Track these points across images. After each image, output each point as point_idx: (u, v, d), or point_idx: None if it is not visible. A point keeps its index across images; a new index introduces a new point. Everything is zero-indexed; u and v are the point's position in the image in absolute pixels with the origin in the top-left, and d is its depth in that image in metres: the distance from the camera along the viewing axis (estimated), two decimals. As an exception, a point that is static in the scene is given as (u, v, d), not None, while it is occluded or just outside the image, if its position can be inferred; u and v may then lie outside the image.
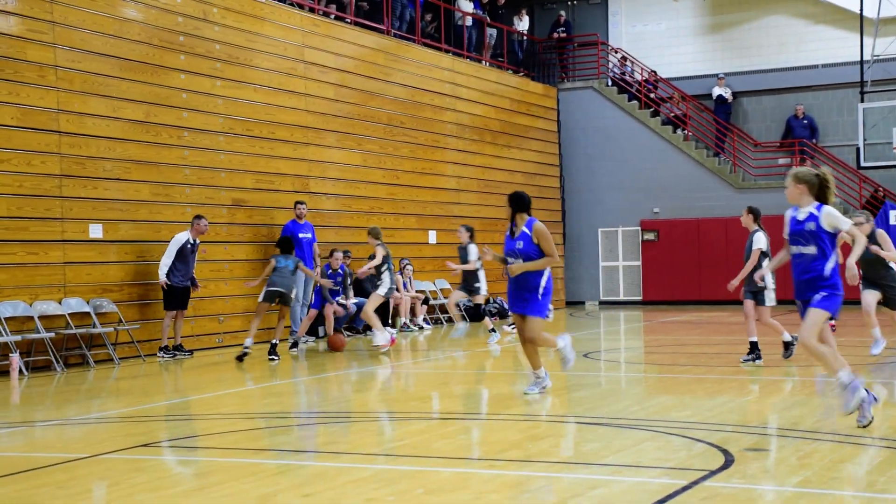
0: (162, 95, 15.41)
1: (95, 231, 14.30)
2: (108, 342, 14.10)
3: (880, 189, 24.60)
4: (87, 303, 13.96)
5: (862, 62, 22.44)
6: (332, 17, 19.54)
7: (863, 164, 22.57)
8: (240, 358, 13.79)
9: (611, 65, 27.44)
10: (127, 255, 14.75)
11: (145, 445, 7.99)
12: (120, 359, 14.16)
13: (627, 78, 27.19)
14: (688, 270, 24.17)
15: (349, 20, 19.91)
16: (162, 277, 14.30)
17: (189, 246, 14.56)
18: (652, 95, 26.91)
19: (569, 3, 28.93)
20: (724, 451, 7.03)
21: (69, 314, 13.65)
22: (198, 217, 14.82)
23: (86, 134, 14.25)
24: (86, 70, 14.29)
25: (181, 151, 15.72)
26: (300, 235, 16.81)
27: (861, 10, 22.67)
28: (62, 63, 13.96)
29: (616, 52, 27.50)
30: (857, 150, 22.41)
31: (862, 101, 22.46)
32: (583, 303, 26.45)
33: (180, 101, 15.73)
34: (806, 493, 5.91)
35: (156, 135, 15.30)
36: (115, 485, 6.54)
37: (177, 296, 14.46)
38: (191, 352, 14.83)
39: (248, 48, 17.08)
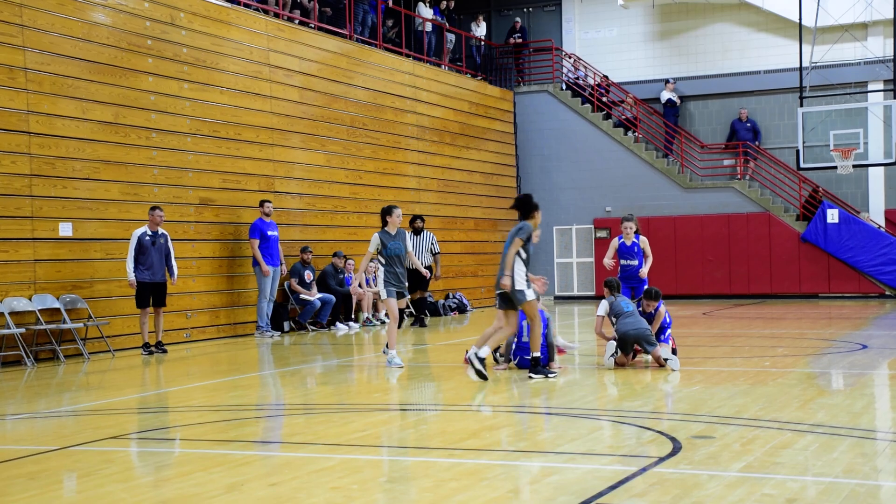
0: (130, 97, 15.27)
1: (65, 229, 14.14)
2: (78, 338, 13.95)
3: (819, 189, 24.93)
4: (58, 299, 13.80)
5: (801, 68, 22.72)
6: (297, 22, 19.46)
7: (802, 165, 22.85)
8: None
9: (565, 69, 27.56)
10: (96, 252, 14.60)
11: (115, 438, 7.93)
12: (90, 354, 14.02)
13: (581, 82, 27.32)
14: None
15: (313, 25, 19.84)
16: (130, 276, 14.02)
17: (148, 238, 14.14)
18: (604, 99, 27.06)
19: (524, 10, 29.02)
20: (673, 439, 7.11)
21: (39, 310, 13.49)
22: (152, 209, 14.38)
23: (55, 135, 14.09)
24: (55, 72, 14.13)
25: (149, 152, 15.59)
26: (269, 233, 16.79)
27: (800, 19, 22.94)
28: (32, 65, 13.79)
29: (570, 58, 27.62)
30: (797, 152, 22.68)
31: (801, 105, 22.73)
32: (538, 299, 26.56)
33: (148, 103, 15.59)
34: (748, 477, 5.99)
35: (125, 136, 15.16)
36: (85, 476, 6.48)
37: (147, 292, 14.21)
38: (165, 350, 14.53)
39: (215, 52, 16.97)
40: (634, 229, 12.96)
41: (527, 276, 10.66)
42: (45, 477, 6.49)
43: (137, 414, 9.44)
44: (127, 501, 5.83)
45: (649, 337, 11.23)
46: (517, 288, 10.54)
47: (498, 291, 10.75)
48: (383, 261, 11.99)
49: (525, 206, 10.72)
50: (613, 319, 11.51)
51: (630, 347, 11.30)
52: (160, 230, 14.32)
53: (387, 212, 12.18)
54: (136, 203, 15.20)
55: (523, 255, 10.57)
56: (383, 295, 12.09)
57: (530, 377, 10.58)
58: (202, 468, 6.60)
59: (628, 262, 12.96)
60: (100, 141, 14.76)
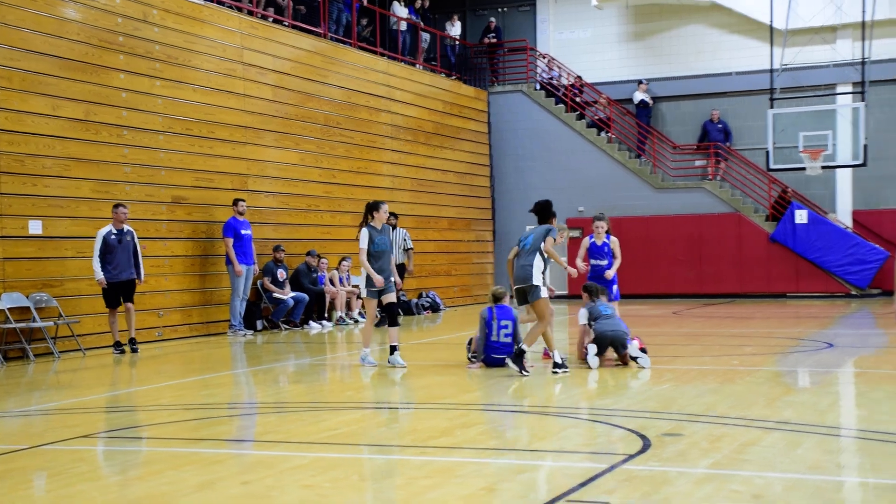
0: (102, 94, 15.17)
1: (35, 227, 14.02)
2: (48, 336, 13.85)
3: (788, 190, 25.15)
4: (27, 297, 13.69)
5: (772, 70, 22.91)
6: (271, 20, 19.40)
7: (772, 166, 23.04)
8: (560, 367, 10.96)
9: (539, 69, 27.64)
10: (67, 250, 14.49)
11: (85, 437, 7.89)
12: (60, 352, 13.92)
13: (554, 82, 27.41)
14: (610, 266, 24.47)
15: (287, 23, 19.78)
16: (98, 275, 13.76)
17: (113, 237, 13.85)
18: (578, 99, 27.17)
19: (499, 10, 29.07)
20: (642, 436, 7.17)
21: (9, 309, 13.37)
22: (115, 206, 14.02)
23: (25, 132, 13.97)
24: (25, 69, 14.01)
25: (121, 149, 15.49)
26: (242, 232, 16.75)
27: (771, 21, 23.12)
28: (1, 61, 13.66)
29: (544, 58, 27.71)
30: (767, 153, 22.88)
31: (772, 107, 22.91)
32: (512, 297, 26.63)
33: (120, 100, 15.50)
34: (716, 474, 6.06)
35: (96, 133, 15.06)
36: (55, 475, 6.45)
37: (115, 291, 14.02)
38: (137, 348, 14.23)
39: (188, 49, 16.88)
40: (606, 229, 13.01)
41: (543, 275, 10.98)
42: (15, 476, 6.45)
43: (108, 413, 9.40)
44: (97, 500, 5.81)
45: (625, 340, 11.31)
46: (535, 283, 10.86)
47: (517, 286, 11.08)
48: (366, 259, 11.73)
49: (545, 211, 11.16)
50: (591, 323, 11.55)
51: (605, 348, 11.37)
52: (126, 227, 14.03)
53: (374, 207, 11.95)
54: (107, 201, 15.09)
55: (544, 255, 10.89)
56: (363, 293, 11.92)
57: (507, 364, 10.87)
58: (173, 467, 6.58)
59: (598, 261, 13.00)
60: (70, 138, 14.65)
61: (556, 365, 10.85)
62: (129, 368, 12.81)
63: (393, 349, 11.70)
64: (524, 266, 10.93)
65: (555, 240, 10.99)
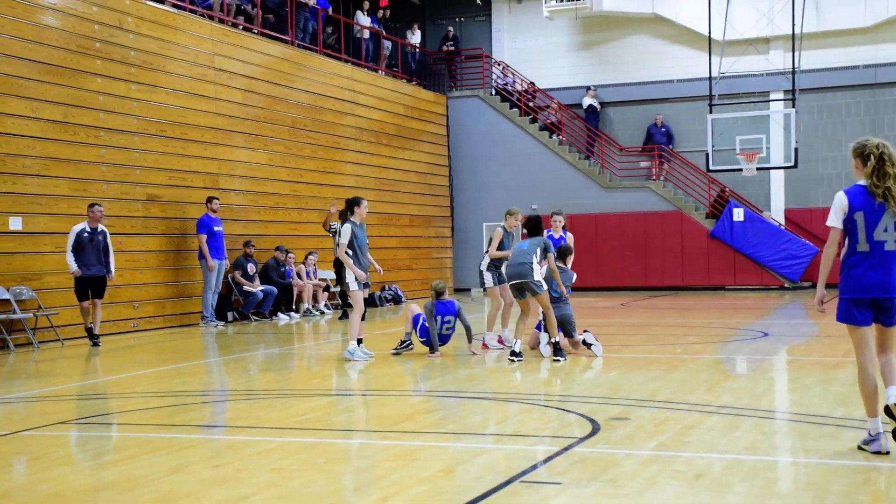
0: (79, 98, 14.94)
1: (15, 223, 13.78)
2: (28, 327, 13.63)
3: (726, 189, 25.39)
4: (7, 290, 13.45)
5: (710, 78, 23.10)
6: (241, 27, 19.22)
7: (711, 167, 23.26)
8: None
9: (494, 76, 27.65)
10: (46, 246, 14.25)
11: (63, 423, 7.77)
12: (39, 343, 13.70)
13: (509, 88, 27.44)
14: (561, 260, 24.56)
15: (256, 31, 19.61)
16: (72, 267, 13.42)
17: (86, 235, 13.50)
18: (531, 104, 27.22)
19: (457, 19, 29.04)
20: (592, 421, 7.19)
21: (-10, 301, 13.14)
22: (91, 205, 13.71)
23: (5, 133, 13.72)
24: (5, 73, 13.75)
25: (98, 150, 15.27)
26: (215, 228, 16.61)
27: (709, 33, 23.32)
28: (-18, 65, 13.40)
29: (499, 65, 27.73)
30: (707, 155, 23.08)
31: (710, 112, 23.12)
32: (469, 290, 26.66)
33: (97, 103, 15.28)
34: (661, 455, 6.09)
35: (74, 134, 14.83)
36: (34, 459, 6.34)
37: (83, 285, 13.58)
38: (97, 342, 13.65)
39: (162, 55, 16.68)
40: (563, 224, 13.01)
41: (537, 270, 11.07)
42: (-5, 461, 6.33)
43: (85, 400, 9.25)
44: (74, 484, 5.71)
45: (574, 324, 11.38)
46: (536, 279, 10.92)
47: (512, 282, 11.06)
48: (350, 252, 11.33)
49: (539, 227, 11.25)
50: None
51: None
52: (100, 226, 13.69)
53: (355, 202, 11.58)
54: (84, 199, 14.87)
55: (538, 256, 10.99)
56: (353, 286, 11.39)
57: (556, 360, 10.71)
58: (148, 451, 6.49)
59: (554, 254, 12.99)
60: (49, 139, 14.42)
61: (513, 353, 10.88)
62: (106, 358, 12.63)
63: (359, 341, 11.60)
64: (523, 264, 10.92)
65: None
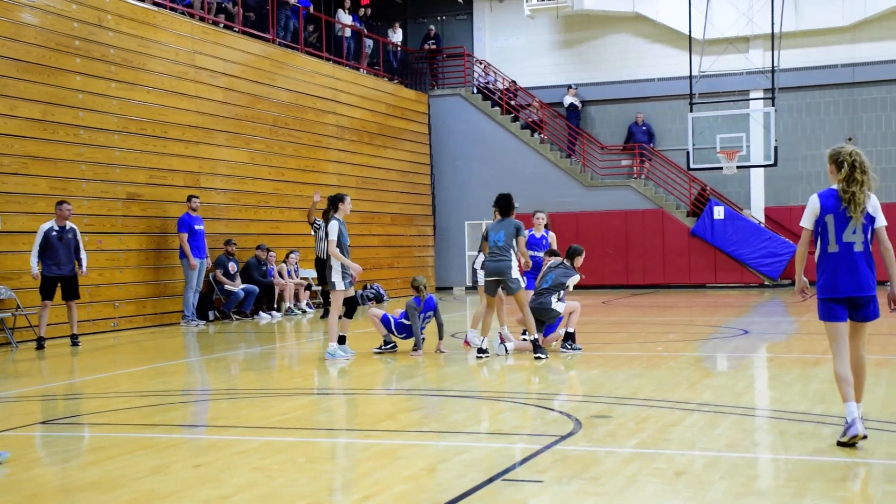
0: (58, 96, 14.83)
1: (-6, 222, 13.66)
2: (6, 327, 13.51)
3: (707, 188, 25.51)
4: (-14, 290, 13.34)
5: (691, 77, 23.19)
6: (221, 25, 19.13)
7: (692, 166, 23.34)
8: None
9: (476, 74, 27.65)
10: (25, 245, 14.11)
11: (43, 423, 7.71)
12: (18, 342, 13.59)
13: (490, 86, 27.45)
14: (543, 259, 24.60)
15: (237, 29, 19.53)
16: (33, 270, 13.00)
17: (55, 234, 13.11)
18: (512, 102, 27.24)
19: (438, 18, 29.02)
20: (574, 419, 7.21)
21: (-32, 301, 13.02)
22: (59, 203, 13.31)
23: (-16, 131, 13.60)
24: (-16, 70, 13.63)
25: (78, 149, 15.17)
26: (196, 227, 16.54)
27: (690, 32, 23.41)
28: (-40, 63, 13.28)
29: (480, 64, 27.73)
30: (688, 153, 23.17)
31: (691, 111, 23.20)
32: (451, 288, 26.67)
33: (76, 101, 15.17)
34: (642, 453, 6.11)
35: (53, 132, 14.72)
36: (14, 460, 6.29)
37: (53, 285, 13.17)
38: (78, 343, 13.46)
39: (142, 53, 16.58)
40: (545, 222, 13.01)
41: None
42: (-27, 462, 6.27)
43: (65, 400, 9.19)
44: (54, 484, 5.67)
45: (546, 315, 11.34)
46: (514, 276, 10.92)
47: (490, 278, 11.00)
48: (338, 250, 11.18)
49: (509, 205, 11.12)
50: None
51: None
52: (69, 224, 13.30)
53: (339, 199, 11.39)
54: (64, 198, 14.76)
55: (515, 248, 10.95)
56: (340, 286, 11.21)
57: (537, 358, 10.69)
58: (128, 451, 6.46)
59: (536, 253, 12.99)
60: (28, 137, 14.30)
61: (479, 350, 10.99)
62: (86, 358, 12.55)
63: (342, 339, 11.56)
64: (501, 260, 10.90)
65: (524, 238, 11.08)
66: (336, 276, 11.23)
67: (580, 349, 11.36)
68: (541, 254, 12.92)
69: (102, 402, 8.96)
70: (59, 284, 13.34)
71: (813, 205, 6.21)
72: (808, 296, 6.41)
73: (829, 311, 6.17)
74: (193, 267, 16.33)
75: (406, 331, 11.59)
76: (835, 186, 6.18)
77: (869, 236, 6.16)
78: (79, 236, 13.53)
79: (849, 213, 6.10)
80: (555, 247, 13.03)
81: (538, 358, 10.71)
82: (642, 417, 7.28)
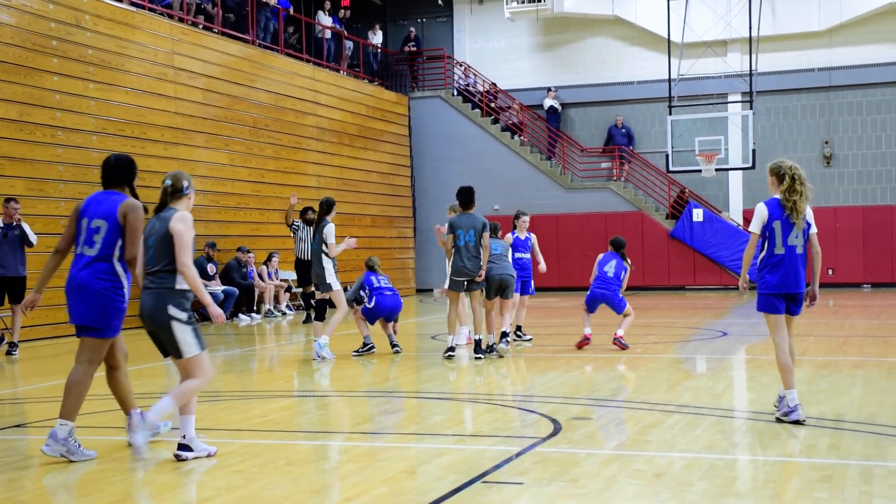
0: (35, 96, 14.71)
1: (-31, 224, 13.49)
2: (-17, 330, 13.37)
3: (686, 190, 25.63)
4: (-38, 292, 13.15)
5: (670, 80, 23.31)
6: (201, 26, 19.04)
7: (671, 168, 23.46)
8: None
9: (456, 76, 27.67)
10: (1, 246, 13.98)
11: (17, 426, 7.63)
12: (-6, 345, 13.44)
13: (471, 88, 27.47)
14: (523, 261, 24.61)
15: (216, 30, 19.44)
16: None
17: (0, 232, 12.44)
18: (492, 105, 27.27)
19: (418, 20, 29.01)
20: (554, 421, 7.21)
21: (-57, 303, 12.85)
22: (6, 201, 12.60)
23: (-40, 131, 13.46)
24: (-41, 70, 13.50)
25: (55, 149, 15.05)
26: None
27: (668, 35, 23.53)
28: (-64, 63, 13.14)
29: (461, 66, 27.75)
30: (667, 156, 23.27)
31: (670, 114, 23.32)
32: (431, 290, 26.66)
33: (54, 101, 15.05)
34: (621, 454, 6.12)
35: (29, 133, 14.59)
36: (-11, 465, 6.22)
37: None
38: (15, 353, 12.52)
39: (120, 54, 16.47)
40: (528, 225, 13.05)
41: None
42: (-52, 467, 6.20)
43: (40, 403, 9.10)
44: (29, 488, 5.61)
45: (513, 283, 11.37)
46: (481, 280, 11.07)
47: (461, 279, 11.00)
48: (330, 253, 11.22)
49: (471, 198, 11.32)
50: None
51: (494, 293, 11.32)
52: (15, 223, 12.50)
53: (333, 203, 11.50)
54: (41, 199, 14.67)
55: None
56: (336, 286, 11.24)
57: (477, 358, 10.84)
58: (105, 455, 6.40)
59: (521, 254, 12.96)
60: (4, 138, 14.18)
61: (449, 350, 11.11)
62: (61, 360, 12.43)
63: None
64: (476, 258, 10.93)
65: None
66: (331, 278, 11.29)
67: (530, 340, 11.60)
68: (527, 255, 12.88)
69: (80, 405, 8.87)
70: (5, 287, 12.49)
71: (762, 212, 7.00)
72: (746, 289, 7.31)
73: (772, 304, 6.96)
74: None
75: (372, 318, 11.56)
76: (777, 196, 6.98)
77: (804, 241, 6.99)
78: (30, 237, 12.63)
79: (792, 219, 6.90)
80: (537, 248, 13.00)
81: (478, 359, 10.81)
82: (622, 419, 7.29)
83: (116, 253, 6.33)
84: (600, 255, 11.95)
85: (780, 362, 6.96)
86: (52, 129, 14.98)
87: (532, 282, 13.02)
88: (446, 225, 11.36)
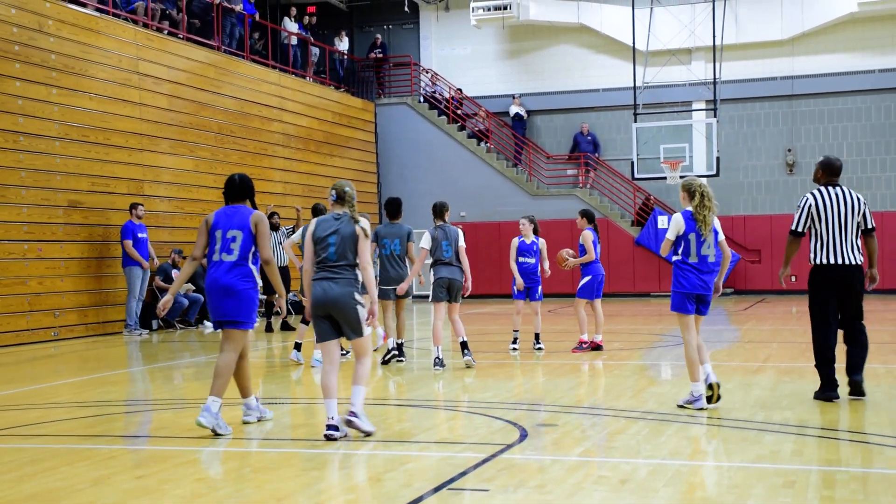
0: (-3, 101, 14.52)
1: (-71, 230, 13.31)
2: (-58, 337, 13.16)
3: (651, 197, 25.83)
4: (-80, 300, 12.95)
5: (635, 88, 23.49)
6: (165, 32, 18.91)
7: (636, 175, 23.63)
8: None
9: (422, 83, 27.69)
10: (-39, 253, 13.80)
11: (-21, 436, 7.51)
12: (-46, 353, 13.24)
13: (437, 95, 27.50)
14: (489, 267, 24.64)
15: (181, 36, 19.31)
16: None
17: None
18: (459, 111, 27.33)
19: (385, 26, 29.02)
20: (520, 427, 7.23)
21: None
22: None
23: (-81, 136, 13.25)
24: (-81, 74, 13.29)
25: (17, 155, 14.86)
26: (139, 235, 16.33)
27: (633, 43, 23.73)
28: None
29: (427, 72, 27.78)
30: (632, 163, 23.44)
31: (635, 121, 23.50)
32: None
33: (16, 107, 14.87)
34: (587, 461, 6.15)
35: (-9, 138, 14.40)
36: (-52, 475, 6.12)
37: None
38: None
39: (83, 59, 16.32)
40: (533, 228, 12.99)
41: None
42: None
43: (4, 411, 8.97)
44: (-9, 499, 5.53)
45: (461, 286, 11.23)
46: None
47: (389, 287, 11.41)
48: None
49: (398, 209, 11.77)
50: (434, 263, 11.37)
51: (443, 295, 11.10)
52: None
53: (322, 212, 11.59)
54: (2, 205, 14.47)
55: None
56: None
57: (399, 361, 11.31)
58: (68, 463, 6.33)
59: (525, 259, 12.89)
60: (-35, 143, 13.98)
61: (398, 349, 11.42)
62: (25, 367, 12.28)
63: (298, 346, 11.64)
64: (402, 268, 11.56)
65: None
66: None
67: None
68: (531, 260, 12.73)
69: (42, 412, 8.77)
70: None
71: (678, 223, 7.92)
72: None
73: (683, 304, 7.94)
74: (146, 268, 16.24)
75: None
76: (689, 209, 7.87)
77: (717, 250, 7.93)
78: None
79: (701, 231, 7.81)
80: (545, 253, 12.86)
81: (400, 361, 11.29)
82: (588, 426, 7.33)
83: (251, 257, 7.44)
84: (590, 235, 12.35)
85: (689, 357, 7.90)
86: (14, 134, 14.80)
87: (539, 287, 12.91)
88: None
